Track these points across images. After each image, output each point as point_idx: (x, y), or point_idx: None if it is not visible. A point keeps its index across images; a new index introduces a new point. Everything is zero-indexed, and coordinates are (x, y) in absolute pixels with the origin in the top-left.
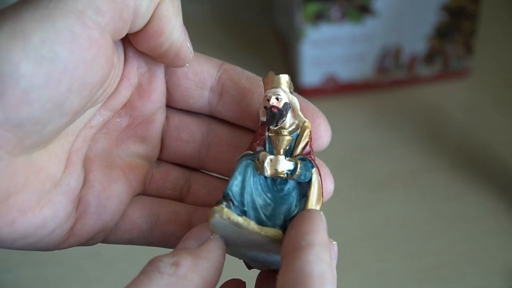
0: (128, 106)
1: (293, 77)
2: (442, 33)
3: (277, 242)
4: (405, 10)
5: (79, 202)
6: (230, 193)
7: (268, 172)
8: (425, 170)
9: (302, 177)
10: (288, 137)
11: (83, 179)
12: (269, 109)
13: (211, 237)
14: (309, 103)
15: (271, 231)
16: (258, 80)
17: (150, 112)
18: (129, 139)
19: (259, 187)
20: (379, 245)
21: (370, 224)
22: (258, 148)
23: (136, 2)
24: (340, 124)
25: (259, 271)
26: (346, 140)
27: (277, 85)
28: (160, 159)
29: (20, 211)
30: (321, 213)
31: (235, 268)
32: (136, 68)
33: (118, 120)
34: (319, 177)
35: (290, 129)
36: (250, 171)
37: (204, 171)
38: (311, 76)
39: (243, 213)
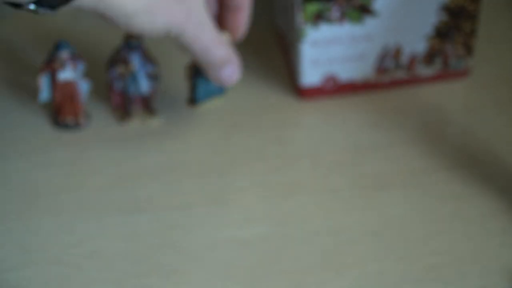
0: None
1: (293, 77)
2: (442, 33)
3: None
4: (405, 10)
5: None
6: None
7: None
8: (425, 170)
9: None
10: None
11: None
12: None
13: None
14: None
15: None
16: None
17: None
18: None
19: None
20: (378, 245)
21: (370, 224)
22: None
23: None
24: (340, 124)
25: None
26: (346, 140)
27: None
28: None
29: None
30: None
31: None
32: None
33: None
34: None
35: None
36: None
37: None
38: (311, 76)
39: None
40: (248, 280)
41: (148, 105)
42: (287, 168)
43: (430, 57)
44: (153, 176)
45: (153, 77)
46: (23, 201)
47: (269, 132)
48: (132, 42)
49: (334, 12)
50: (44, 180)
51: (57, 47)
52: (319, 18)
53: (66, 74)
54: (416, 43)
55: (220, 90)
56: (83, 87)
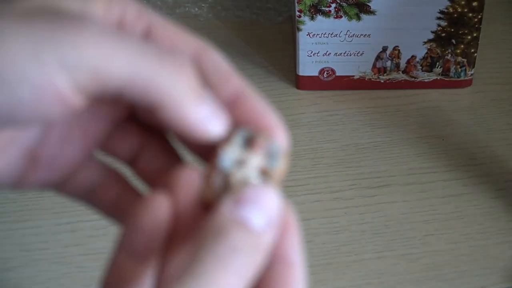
0: None
1: (292, 67)
2: (442, 40)
3: None
4: (403, 12)
5: (34, 156)
6: None
7: None
8: (425, 170)
9: None
10: None
11: (41, 135)
12: None
13: None
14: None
15: None
16: (228, 76)
17: None
18: (100, 100)
19: None
20: (378, 244)
21: (369, 223)
22: None
23: None
24: (339, 121)
25: None
26: (345, 138)
27: None
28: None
29: None
30: None
31: None
32: None
33: None
34: None
35: None
36: None
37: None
38: (308, 66)
39: None
40: None
41: None
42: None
43: (429, 62)
44: None
45: None
46: (24, 201)
47: None
48: None
49: (331, 6)
50: None
51: None
52: (315, 10)
53: None
54: (415, 46)
55: None
56: None
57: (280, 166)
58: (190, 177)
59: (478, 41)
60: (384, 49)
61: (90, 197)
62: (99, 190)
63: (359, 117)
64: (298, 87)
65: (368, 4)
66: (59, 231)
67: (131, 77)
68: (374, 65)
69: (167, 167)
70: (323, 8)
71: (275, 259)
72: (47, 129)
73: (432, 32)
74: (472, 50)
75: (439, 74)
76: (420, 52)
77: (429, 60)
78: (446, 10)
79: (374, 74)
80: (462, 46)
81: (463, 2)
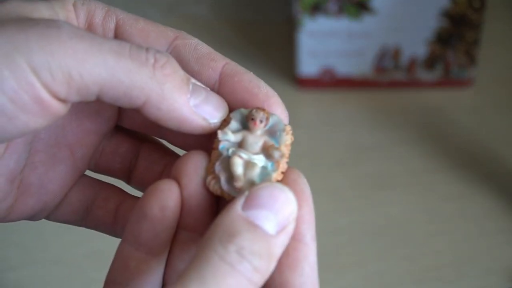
0: None
1: (291, 66)
2: (443, 39)
3: None
4: (404, 11)
5: (20, 182)
6: None
7: None
8: (425, 170)
9: None
10: None
11: (25, 159)
12: None
13: None
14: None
15: None
16: (209, 60)
17: None
18: (83, 112)
19: None
20: (378, 245)
21: (370, 224)
22: None
23: None
24: (339, 121)
25: None
26: (345, 138)
27: None
28: (117, 125)
29: None
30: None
31: None
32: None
33: None
34: None
35: None
36: None
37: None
38: (308, 66)
39: None
40: None
41: None
42: None
43: (430, 62)
44: None
45: None
46: None
47: None
48: None
49: (332, 6)
50: None
51: None
52: (316, 9)
53: None
54: (415, 46)
55: None
56: None
57: (285, 139)
58: (195, 163)
59: (480, 41)
60: (385, 48)
61: (88, 216)
62: (97, 205)
63: (359, 117)
64: (298, 87)
65: (369, 3)
66: (59, 231)
67: (108, 78)
68: (374, 65)
69: (167, 169)
70: (323, 8)
71: None
72: (31, 150)
73: (434, 31)
74: (474, 50)
75: (440, 74)
76: (421, 52)
77: (430, 59)
78: (447, 10)
79: (375, 74)
80: (463, 46)
81: (465, 2)
